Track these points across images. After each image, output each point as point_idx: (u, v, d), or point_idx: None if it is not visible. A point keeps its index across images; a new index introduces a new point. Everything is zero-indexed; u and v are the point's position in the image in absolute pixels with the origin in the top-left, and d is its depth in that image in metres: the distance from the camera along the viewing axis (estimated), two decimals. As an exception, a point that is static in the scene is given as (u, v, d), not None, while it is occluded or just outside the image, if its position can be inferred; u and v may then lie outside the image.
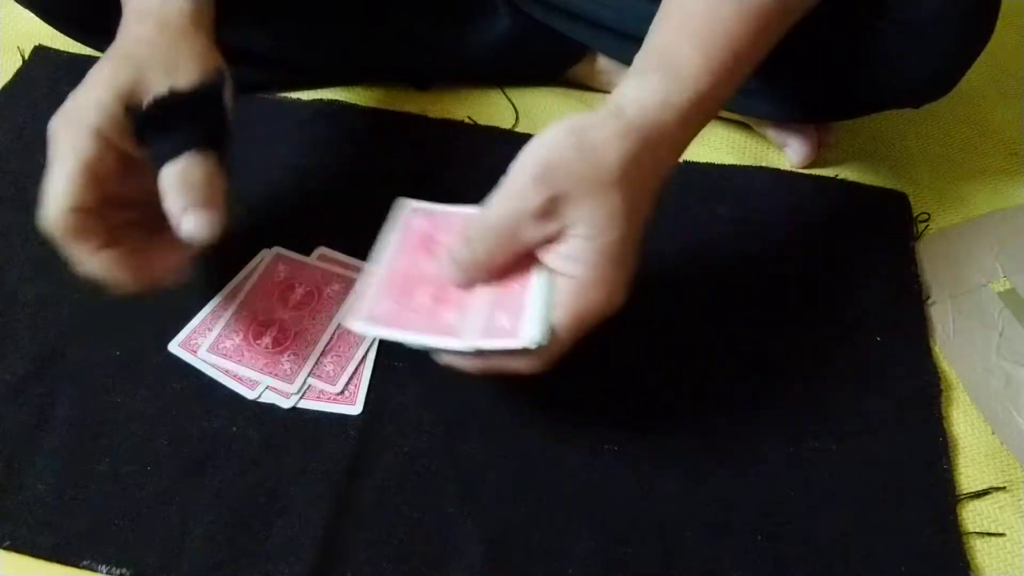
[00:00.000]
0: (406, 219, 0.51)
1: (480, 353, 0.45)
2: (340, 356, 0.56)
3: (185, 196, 0.45)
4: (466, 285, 0.47)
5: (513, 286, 0.46)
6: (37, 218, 0.45)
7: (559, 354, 0.45)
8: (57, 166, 0.45)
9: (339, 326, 0.57)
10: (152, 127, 0.46)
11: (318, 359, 0.56)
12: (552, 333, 0.44)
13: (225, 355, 0.55)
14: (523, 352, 0.44)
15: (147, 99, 0.46)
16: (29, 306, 0.58)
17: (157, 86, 0.46)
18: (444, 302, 0.47)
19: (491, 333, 0.44)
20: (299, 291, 0.59)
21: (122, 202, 0.47)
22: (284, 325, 0.57)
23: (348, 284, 0.59)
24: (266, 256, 0.61)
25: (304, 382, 0.55)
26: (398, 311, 0.47)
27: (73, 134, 0.45)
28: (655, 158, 0.44)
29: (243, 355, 0.56)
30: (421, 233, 0.50)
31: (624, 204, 0.43)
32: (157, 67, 0.46)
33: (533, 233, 0.43)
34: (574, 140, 0.43)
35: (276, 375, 0.55)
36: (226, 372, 0.55)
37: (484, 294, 0.46)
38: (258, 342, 0.56)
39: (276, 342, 0.56)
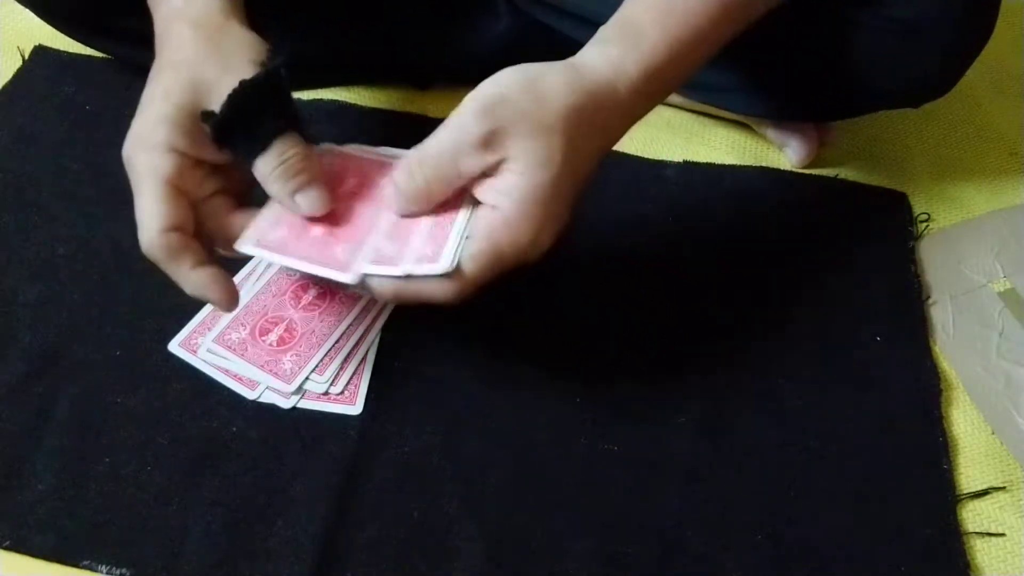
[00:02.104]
0: (319, 154, 0.50)
1: (400, 278, 0.45)
2: (340, 358, 0.56)
3: (289, 181, 0.46)
4: (409, 214, 0.47)
5: (442, 217, 0.47)
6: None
7: (476, 286, 0.45)
8: (142, 190, 0.45)
9: (345, 331, 0.57)
10: (230, 126, 0.46)
11: (320, 360, 0.56)
12: (464, 262, 0.44)
13: (229, 347, 0.55)
14: (438, 279, 0.44)
15: (214, 100, 0.45)
16: (29, 306, 0.58)
17: (218, 85, 0.46)
18: (337, 236, 0.47)
19: (418, 259, 0.45)
20: (312, 292, 0.59)
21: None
22: (292, 325, 0.57)
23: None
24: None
25: (302, 384, 0.55)
26: (291, 239, 0.47)
27: (148, 156, 0.45)
28: (600, 119, 0.45)
29: (246, 350, 0.56)
30: (330, 171, 0.50)
31: (561, 150, 0.43)
32: (210, 67, 0.46)
33: (472, 163, 0.44)
34: (522, 81, 0.44)
35: (275, 374, 0.55)
36: (226, 370, 0.55)
37: (376, 227, 0.47)
38: (263, 339, 0.56)
39: (281, 341, 0.56)
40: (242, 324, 0.57)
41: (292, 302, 0.58)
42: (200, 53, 0.46)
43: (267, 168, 0.46)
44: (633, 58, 0.45)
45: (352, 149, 0.52)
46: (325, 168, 0.49)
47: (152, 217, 0.45)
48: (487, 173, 0.45)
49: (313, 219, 0.48)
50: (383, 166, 0.50)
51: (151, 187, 0.45)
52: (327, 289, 0.59)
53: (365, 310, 0.58)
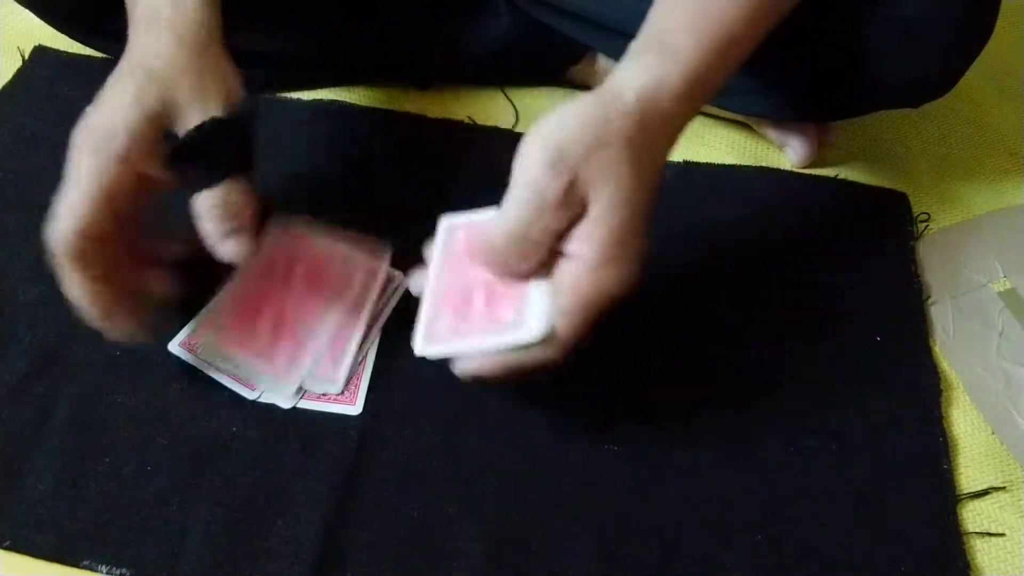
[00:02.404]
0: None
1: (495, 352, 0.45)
2: (336, 351, 0.56)
3: (225, 223, 0.47)
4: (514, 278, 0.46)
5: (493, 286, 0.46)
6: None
7: (574, 339, 0.44)
8: (75, 185, 0.45)
9: (345, 321, 0.57)
10: (188, 154, 0.46)
11: (320, 351, 0.55)
12: (557, 321, 0.43)
13: (229, 347, 0.55)
14: (536, 344, 0.44)
15: (181, 125, 0.46)
16: (29, 306, 0.58)
17: (189, 111, 0.46)
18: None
19: (496, 329, 0.45)
20: (300, 271, 0.58)
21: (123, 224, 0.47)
22: (285, 315, 0.56)
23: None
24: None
25: (303, 379, 0.55)
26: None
27: (99, 157, 0.45)
28: (654, 139, 0.45)
29: (241, 347, 0.55)
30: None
31: (632, 182, 0.43)
32: (186, 90, 0.46)
33: (559, 220, 0.43)
34: (579, 122, 0.43)
35: (273, 367, 0.54)
36: (225, 370, 0.55)
37: (527, 283, 0.46)
38: (257, 332, 0.56)
39: (276, 332, 0.56)
40: (237, 323, 0.57)
41: (283, 292, 0.58)
42: (182, 75, 0.46)
43: (207, 204, 0.47)
44: (673, 70, 0.44)
45: (304, 231, 0.53)
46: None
47: (74, 216, 0.44)
48: (572, 224, 0.44)
49: (259, 315, 0.50)
50: (337, 257, 0.54)
51: (88, 187, 0.45)
52: (315, 274, 0.58)
53: (357, 306, 0.58)
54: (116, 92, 0.46)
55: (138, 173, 0.46)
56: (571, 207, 0.43)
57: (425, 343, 0.46)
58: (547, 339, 0.43)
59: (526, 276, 0.46)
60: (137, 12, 0.49)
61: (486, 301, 0.46)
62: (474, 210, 0.51)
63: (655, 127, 0.44)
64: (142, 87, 0.46)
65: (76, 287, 0.46)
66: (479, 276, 0.47)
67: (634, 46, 0.47)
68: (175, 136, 0.46)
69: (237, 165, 0.47)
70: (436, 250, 0.50)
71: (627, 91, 0.44)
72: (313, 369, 0.55)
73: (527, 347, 0.44)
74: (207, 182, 0.46)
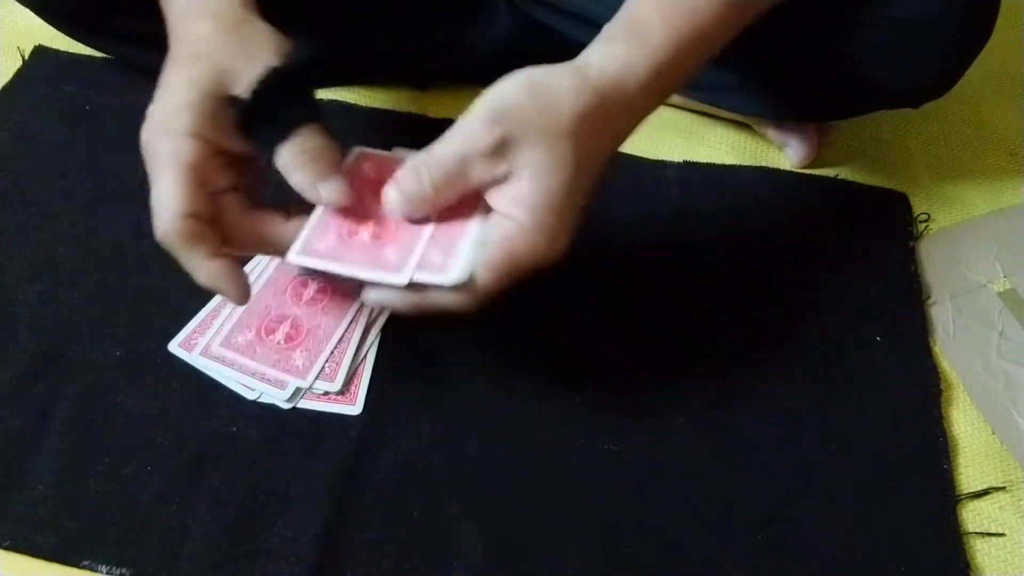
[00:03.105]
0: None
1: (411, 287, 0.45)
2: (337, 354, 0.56)
3: (312, 170, 0.46)
4: (410, 218, 0.47)
5: (453, 225, 0.46)
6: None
7: (491, 295, 0.45)
8: (162, 174, 0.44)
9: (350, 324, 0.57)
10: (255, 112, 0.45)
11: (331, 353, 0.56)
12: (479, 272, 0.44)
13: (238, 350, 0.55)
14: (452, 289, 0.44)
15: (240, 88, 0.45)
16: (29, 306, 0.58)
17: (244, 72, 0.45)
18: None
19: (422, 267, 0.45)
20: (312, 287, 0.59)
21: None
22: (297, 321, 0.57)
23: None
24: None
25: (315, 379, 0.55)
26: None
27: (170, 141, 0.44)
28: (609, 119, 0.45)
29: (255, 351, 0.56)
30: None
31: (572, 155, 0.43)
32: (233, 58, 0.46)
33: (481, 172, 0.44)
34: (530, 87, 0.44)
35: (289, 371, 0.55)
36: (237, 368, 0.55)
37: (423, 232, 0.47)
38: (270, 338, 0.56)
39: (289, 338, 0.56)
40: (247, 326, 0.57)
41: (294, 299, 0.58)
42: (223, 44, 0.46)
43: (289, 156, 0.45)
44: (641, 55, 0.45)
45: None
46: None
47: (172, 201, 0.44)
48: (498, 181, 0.44)
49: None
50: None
51: (172, 172, 0.44)
52: (327, 284, 0.59)
53: (365, 307, 0.58)
54: (166, 83, 0.46)
55: (215, 148, 0.46)
56: (497, 162, 0.43)
57: (302, 255, 0.46)
58: (467, 288, 0.44)
59: (424, 214, 0.46)
60: (174, 11, 0.49)
61: (372, 236, 0.47)
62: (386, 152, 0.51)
63: (612, 109, 0.45)
64: (192, 70, 0.45)
65: (203, 271, 0.46)
66: (371, 209, 0.48)
67: (606, 29, 0.47)
68: (239, 99, 0.45)
69: (306, 113, 0.46)
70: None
71: (590, 69, 0.45)
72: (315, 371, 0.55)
73: (448, 290, 0.44)
74: (282, 135, 0.45)
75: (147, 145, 0.45)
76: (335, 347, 0.56)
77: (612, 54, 0.45)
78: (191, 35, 0.47)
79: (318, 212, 0.48)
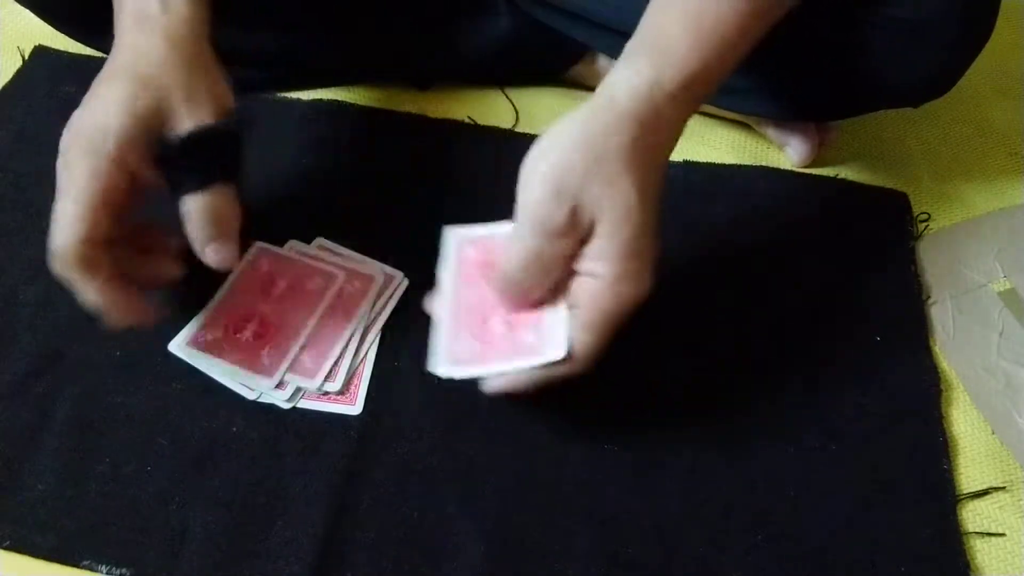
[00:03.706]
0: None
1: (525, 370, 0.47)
2: (319, 350, 0.56)
3: (210, 229, 0.47)
4: (526, 302, 0.48)
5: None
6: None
7: (596, 352, 0.46)
8: (72, 194, 0.44)
9: (318, 321, 0.57)
10: (179, 158, 0.46)
11: (297, 354, 0.56)
12: (577, 336, 0.45)
13: (206, 349, 0.55)
14: (557, 363, 0.45)
15: (173, 130, 0.46)
16: (29, 306, 0.58)
17: (181, 116, 0.46)
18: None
19: (519, 354, 0.46)
20: (281, 284, 0.59)
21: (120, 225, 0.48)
22: (265, 319, 0.57)
23: (329, 278, 0.59)
24: (249, 251, 0.60)
25: (283, 376, 0.55)
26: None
27: (93, 159, 0.44)
28: (653, 141, 0.45)
29: (223, 350, 0.55)
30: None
31: (635, 193, 0.43)
32: (177, 95, 0.46)
33: (565, 247, 0.44)
34: (576, 143, 0.44)
35: (256, 369, 0.55)
36: (205, 367, 0.55)
37: (298, 337, 0.51)
38: (238, 336, 0.56)
39: (257, 335, 0.56)
40: (215, 325, 0.57)
41: (262, 297, 0.58)
42: (173, 80, 0.47)
43: (194, 210, 0.47)
44: (669, 73, 0.45)
45: (281, 251, 0.56)
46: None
47: (75, 224, 0.44)
48: (583, 243, 0.45)
49: (242, 324, 0.52)
50: (312, 272, 0.56)
51: (84, 194, 0.44)
52: (296, 282, 0.59)
53: (341, 305, 0.58)
54: (106, 94, 0.46)
55: (131, 174, 0.46)
56: (578, 230, 0.44)
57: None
58: (568, 357, 0.45)
59: (540, 302, 0.47)
60: (126, 8, 0.49)
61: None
62: (481, 224, 0.52)
63: (652, 130, 0.45)
64: (134, 91, 0.46)
65: (91, 294, 0.46)
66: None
67: (629, 47, 0.47)
68: (166, 139, 0.46)
69: (224, 173, 0.48)
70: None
71: (621, 96, 0.44)
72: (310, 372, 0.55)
73: (550, 365, 0.46)
74: (194, 187, 0.47)
75: (65, 155, 0.45)
76: (304, 344, 0.56)
77: (639, 73, 0.45)
78: (140, 48, 0.47)
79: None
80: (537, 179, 0.44)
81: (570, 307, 0.46)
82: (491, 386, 0.48)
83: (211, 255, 0.48)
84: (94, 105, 0.46)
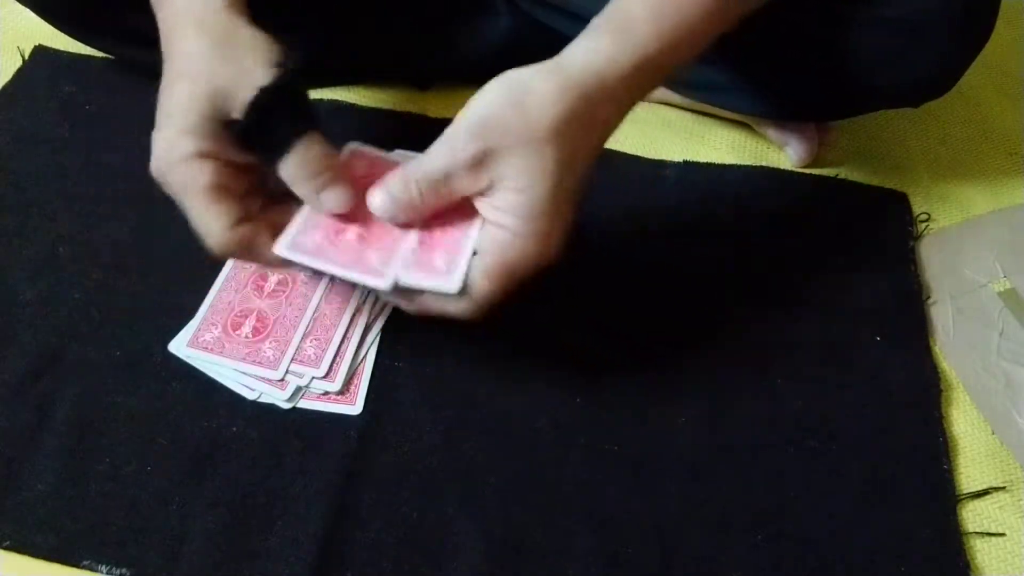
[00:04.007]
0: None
1: (407, 290, 0.47)
2: (320, 339, 0.56)
3: (313, 181, 0.47)
4: (397, 223, 0.48)
5: (451, 231, 0.48)
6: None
7: (491, 302, 0.46)
8: (190, 202, 0.46)
9: (317, 310, 0.58)
10: (253, 133, 0.46)
11: (299, 344, 0.56)
12: (476, 280, 0.45)
13: (205, 348, 0.56)
14: (453, 296, 0.46)
15: (235, 108, 0.46)
16: (29, 306, 0.58)
17: (237, 92, 0.46)
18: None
19: (421, 269, 0.46)
20: (273, 279, 0.59)
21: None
22: (262, 314, 0.57)
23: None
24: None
25: (287, 367, 0.55)
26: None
27: (183, 168, 0.46)
28: (593, 116, 0.45)
29: (223, 347, 0.56)
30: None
31: (556, 159, 0.44)
32: (226, 75, 0.46)
33: (464, 183, 0.45)
34: (509, 95, 0.44)
35: (259, 363, 0.55)
36: (210, 367, 0.55)
37: (411, 236, 0.48)
38: (237, 333, 0.56)
39: (256, 331, 0.56)
40: (213, 323, 0.57)
41: (255, 293, 0.58)
42: (213, 62, 0.46)
43: (291, 170, 0.47)
44: (625, 50, 0.45)
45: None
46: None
47: (213, 221, 0.46)
48: (482, 191, 0.45)
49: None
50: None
51: (197, 195, 0.46)
52: (286, 275, 0.59)
53: (335, 290, 0.58)
54: (164, 109, 0.47)
55: (226, 161, 0.47)
56: (479, 174, 0.44)
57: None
58: (466, 296, 0.46)
59: (411, 221, 0.47)
60: (164, 22, 0.49)
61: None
62: (380, 150, 0.52)
63: (597, 106, 0.45)
64: (186, 93, 0.46)
65: (271, 263, 0.48)
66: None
67: (593, 23, 0.47)
68: (236, 122, 0.46)
69: (302, 124, 0.47)
70: None
71: (574, 67, 0.45)
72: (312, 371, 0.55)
73: (448, 297, 0.46)
74: (281, 150, 0.46)
75: (163, 178, 0.46)
76: (305, 333, 0.56)
77: (597, 49, 0.45)
78: (181, 50, 0.48)
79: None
80: (462, 114, 0.45)
81: (476, 252, 0.46)
82: (383, 288, 0.47)
83: (329, 203, 0.47)
84: (161, 124, 0.47)
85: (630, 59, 0.45)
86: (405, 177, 0.46)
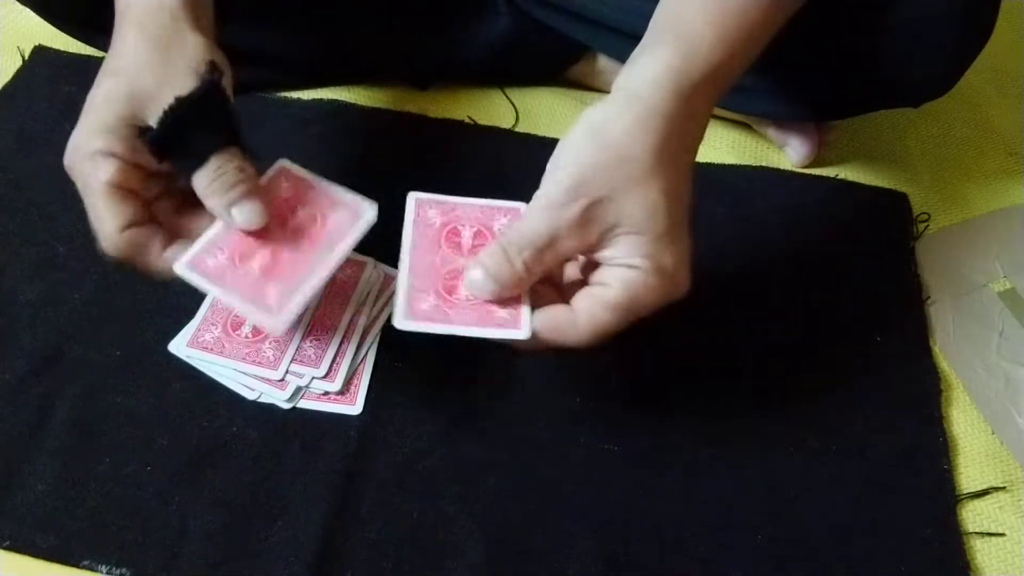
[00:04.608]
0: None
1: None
2: (320, 339, 0.56)
3: (224, 195, 0.46)
4: (496, 299, 0.45)
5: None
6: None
7: (609, 334, 0.44)
8: (90, 198, 0.46)
9: (317, 310, 0.57)
10: (166, 142, 0.46)
11: (299, 344, 0.56)
12: (597, 313, 0.44)
13: (206, 348, 0.55)
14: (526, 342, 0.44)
15: (152, 113, 0.45)
16: (29, 306, 0.58)
17: (157, 98, 0.46)
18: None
19: (486, 322, 0.45)
20: None
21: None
22: None
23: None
24: None
25: (287, 367, 0.55)
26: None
27: (89, 163, 0.46)
28: (681, 135, 0.44)
29: (224, 347, 0.56)
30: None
31: (662, 191, 0.42)
32: (149, 78, 0.46)
33: (572, 243, 0.43)
34: (597, 141, 0.43)
35: (259, 363, 0.55)
36: (210, 367, 0.55)
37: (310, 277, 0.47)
38: (237, 333, 0.56)
39: (256, 331, 0.56)
40: (213, 323, 0.57)
41: None
42: (140, 62, 0.46)
43: (203, 183, 0.46)
44: (693, 62, 0.43)
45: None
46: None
47: (107, 219, 0.45)
48: (595, 246, 0.44)
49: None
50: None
51: (98, 192, 0.45)
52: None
53: (335, 291, 0.58)
54: (89, 101, 0.47)
55: (133, 164, 0.46)
56: (588, 230, 0.43)
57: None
58: (534, 338, 0.44)
59: (506, 296, 0.45)
60: (117, 11, 0.49)
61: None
62: (442, 195, 0.51)
63: (680, 124, 0.43)
64: (108, 89, 0.46)
65: (161, 269, 0.47)
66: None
67: (649, 36, 0.45)
68: (148, 130, 0.46)
69: (218, 139, 0.46)
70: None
71: (646, 92, 0.43)
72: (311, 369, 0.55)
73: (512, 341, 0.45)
74: (194, 163, 0.46)
75: (70, 172, 0.46)
76: (304, 333, 0.56)
77: (664, 64, 0.43)
78: (118, 47, 0.48)
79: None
80: (556, 172, 0.43)
81: (596, 284, 0.45)
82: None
83: (238, 218, 0.46)
84: (82, 116, 0.47)
85: (701, 70, 0.43)
86: (505, 250, 0.44)
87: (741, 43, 0.45)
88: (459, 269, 0.47)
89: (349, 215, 0.50)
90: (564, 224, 0.42)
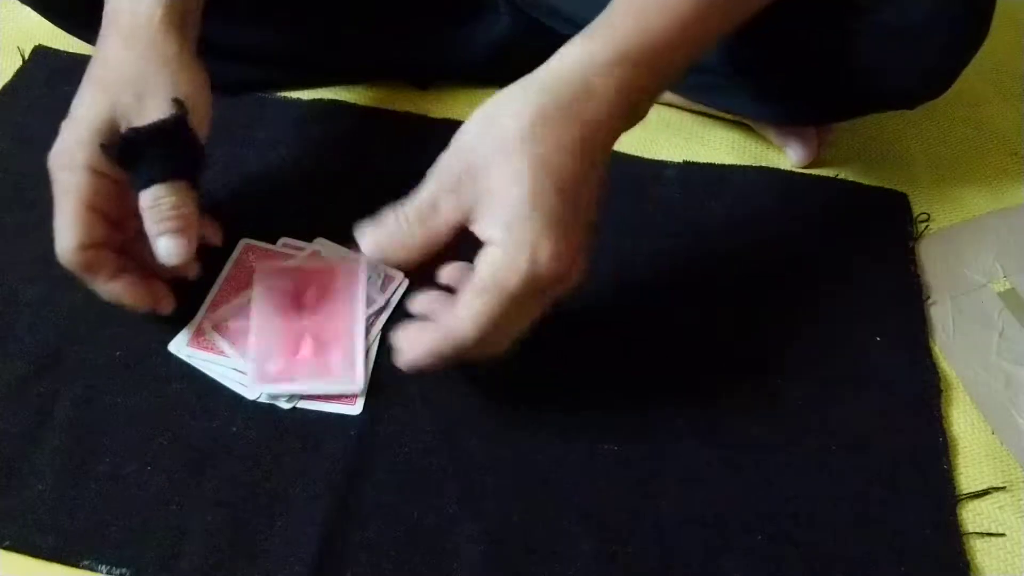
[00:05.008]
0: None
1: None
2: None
3: (157, 223, 0.48)
4: (395, 263, 0.47)
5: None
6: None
7: (489, 322, 0.44)
8: (61, 207, 0.48)
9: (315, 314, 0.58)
10: (128, 155, 0.48)
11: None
12: (469, 297, 0.44)
13: (206, 348, 0.56)
14: (459, 335, 0.45)
15: (122, 129, 0.48)
16: (29, 306, 0.58)
17: (135, 114, 0.48)
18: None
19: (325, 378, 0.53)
20: None
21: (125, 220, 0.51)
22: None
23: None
24: (237, 248, 0.61)
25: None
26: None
27: (69, 175, 0.48)
28: (569, 111, 0.44)
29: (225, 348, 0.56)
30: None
31: (529, 161, 0.43)
32: (127, 92, 0.48)
33: (449, 206, 0.45)
34: (484, 112, 0.45)
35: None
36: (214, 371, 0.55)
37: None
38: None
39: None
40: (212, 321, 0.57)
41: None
42: (124, 78, 0.48)
43: (144, 203, 0.48)
44: (604, 46, 0.44)
45: (281, 250, 0.58)
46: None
47: (68, 234, 0.48)
48: (468, 215, 0.44)
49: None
50: (328, 266, 0.58)
51: (69, 206, 0.48)
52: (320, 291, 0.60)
53: (341, 300, 0.58)
54: (74, 107, 0.49)
55: (108, 177, 0.48)
56: (464, 192, 0.44)
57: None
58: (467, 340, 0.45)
59: (411, 260, 0.46)
60: (104, 13, 0.51)
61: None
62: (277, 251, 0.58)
63: (574, 103, 0.44)
64: (91, 99, 0.48)
65: (104, 292, 0.50)
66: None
67: (579, 33, 0.47)
68: (113, 143, 0.48)
69: (172, 170, 0.49)
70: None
71: (545, 70, 0.45)
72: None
73: (457, 348, 0.45)
74: (143, 182, 0.48)
75: (51, 174, 0.49)
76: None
77: (571, 52, 0.45)
78: (103, 54, 0.50)
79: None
80: (449, 146, 0.46)
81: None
82: (403, 362, 0.47)
83: (160, 249, 0.49)
84: (68, 120, 0.49)
85: (611, 54, 0.44)
86: (393, 210, 0.46)
87: (668, 35, 0.45)
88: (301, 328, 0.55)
89: (346, 269, 0.58)
90: (442, 188, 0.44)
